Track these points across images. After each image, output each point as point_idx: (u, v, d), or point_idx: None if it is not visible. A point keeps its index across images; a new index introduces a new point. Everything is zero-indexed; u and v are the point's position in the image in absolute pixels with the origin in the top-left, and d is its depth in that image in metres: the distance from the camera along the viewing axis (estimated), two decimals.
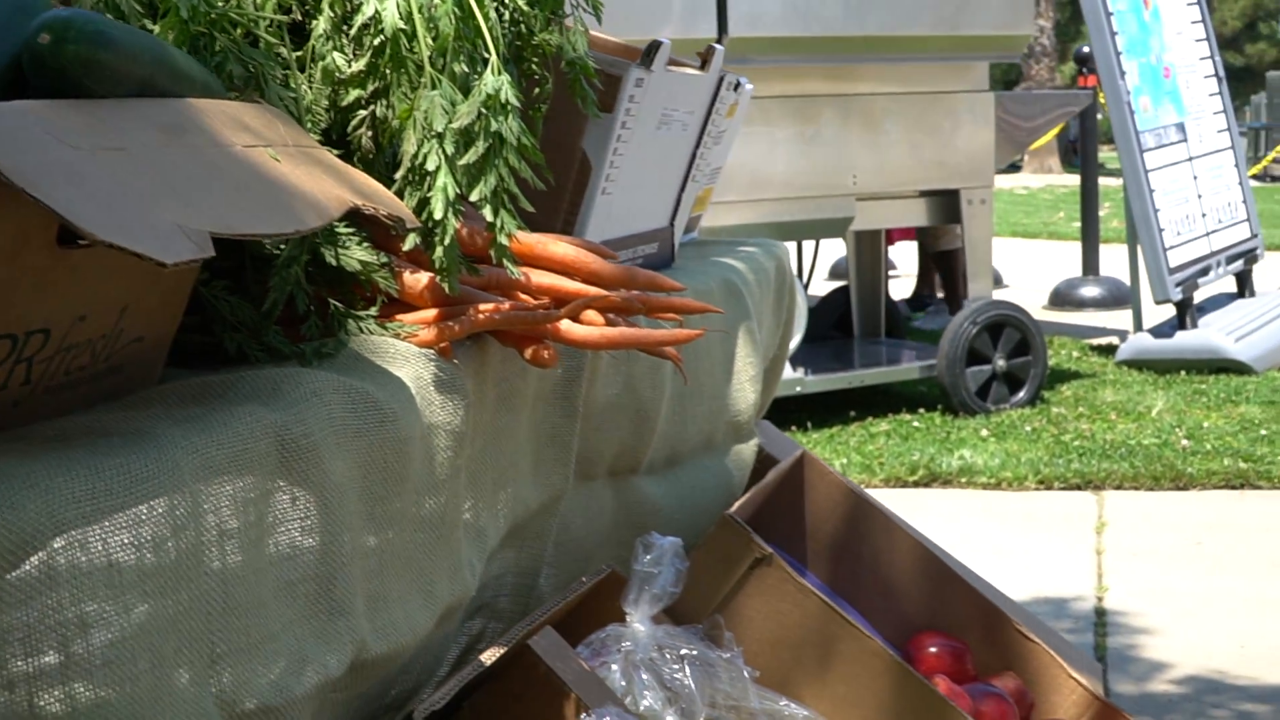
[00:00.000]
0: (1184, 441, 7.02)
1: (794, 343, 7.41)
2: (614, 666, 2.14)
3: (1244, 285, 9.57)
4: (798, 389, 7.35)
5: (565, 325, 1.87)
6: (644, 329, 1.93)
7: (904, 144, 7.52)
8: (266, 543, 1.49)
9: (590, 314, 1.92)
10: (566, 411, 2.17)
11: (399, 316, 1.84)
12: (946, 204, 7.76)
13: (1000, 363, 7.82)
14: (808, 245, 8.79)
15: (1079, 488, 6.53)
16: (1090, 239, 11.50)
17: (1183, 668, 4.55)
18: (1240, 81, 35.59)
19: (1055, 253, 14.83)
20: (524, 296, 1.91)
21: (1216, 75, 9.46)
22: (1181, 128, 9.00)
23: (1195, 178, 9.02)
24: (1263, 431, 7.21)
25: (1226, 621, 4.92)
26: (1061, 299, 11.41)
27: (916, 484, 6.55)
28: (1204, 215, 9.01)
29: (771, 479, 2.57)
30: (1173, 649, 4.71)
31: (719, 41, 6.93)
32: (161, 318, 1.55)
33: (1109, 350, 9.39)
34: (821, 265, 10.33)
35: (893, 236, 9.48)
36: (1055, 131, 13.65)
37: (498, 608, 2.16)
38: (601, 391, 2.29)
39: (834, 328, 8.66)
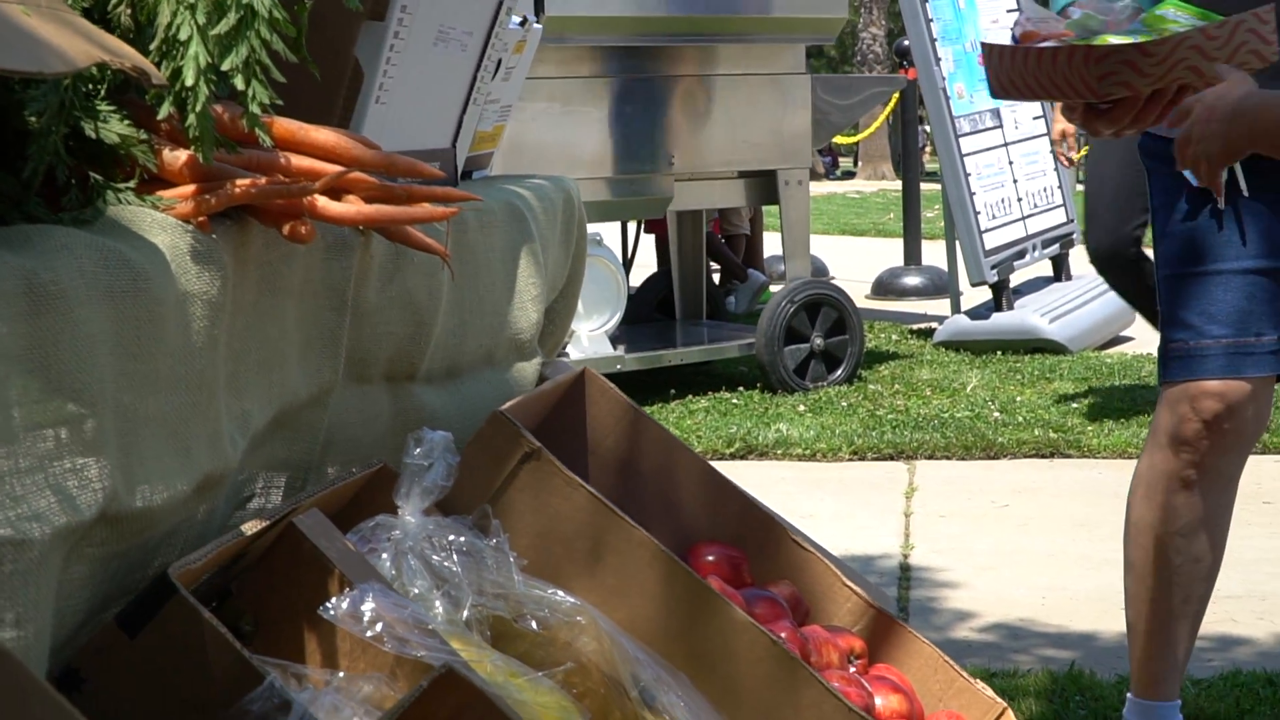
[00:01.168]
0: (996, 414, 7.16)
1: (613, 322, 7.48)
2: (383, 555, 2.18)
3: (1060, 270, 9.76)
4: (618, 367, 7.41)
5: (323, 202, 1.91)
6: (401, 206, 1.97)
7: (722, 125, 7.61)
8: (14, 381, 1.52)
9: (351, 198, 1.97)
10: (335, 305, 2.21)
11: (159, 192, 1.88)
12: (764, 185, 7.86)
13: (818, 341, 7.93)
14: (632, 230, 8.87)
15: (891, 458, 6.64)
16: (912, 230, 11.67)
17: (985, 617, 4.65)
18: None
19: (882, 248, 15.02)
20: (284, 178, 1.95)
21: None
22: (997, 114, 9.17)
23: (1011, 163, 9.19)
24: (1074, 405, 7.36)
25: (1030, 576, 5.03)
26: (884, 288, 11.57)
27: (733, 456, 6.62)
28: (1020, 200, 9.18)
29: (549, 388, 2.62)
30: (975, 600, 4.80)
31: (537, 20, 6.99)
32: None
33: (928, 334, 9.55)
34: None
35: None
36: (879, 122, 13.82)
37: (270, 501, 2.19)
38: (374, 292, 2.32)
39: (656, 310, 8.74)
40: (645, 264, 10.10)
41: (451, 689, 1.61)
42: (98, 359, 1.63)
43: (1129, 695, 3.21)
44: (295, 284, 2.10)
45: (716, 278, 10.65)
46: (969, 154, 8.79)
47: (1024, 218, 9.18)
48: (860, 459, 6.64)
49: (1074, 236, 9.72)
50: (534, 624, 2.23)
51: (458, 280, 2.56)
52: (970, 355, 8.76)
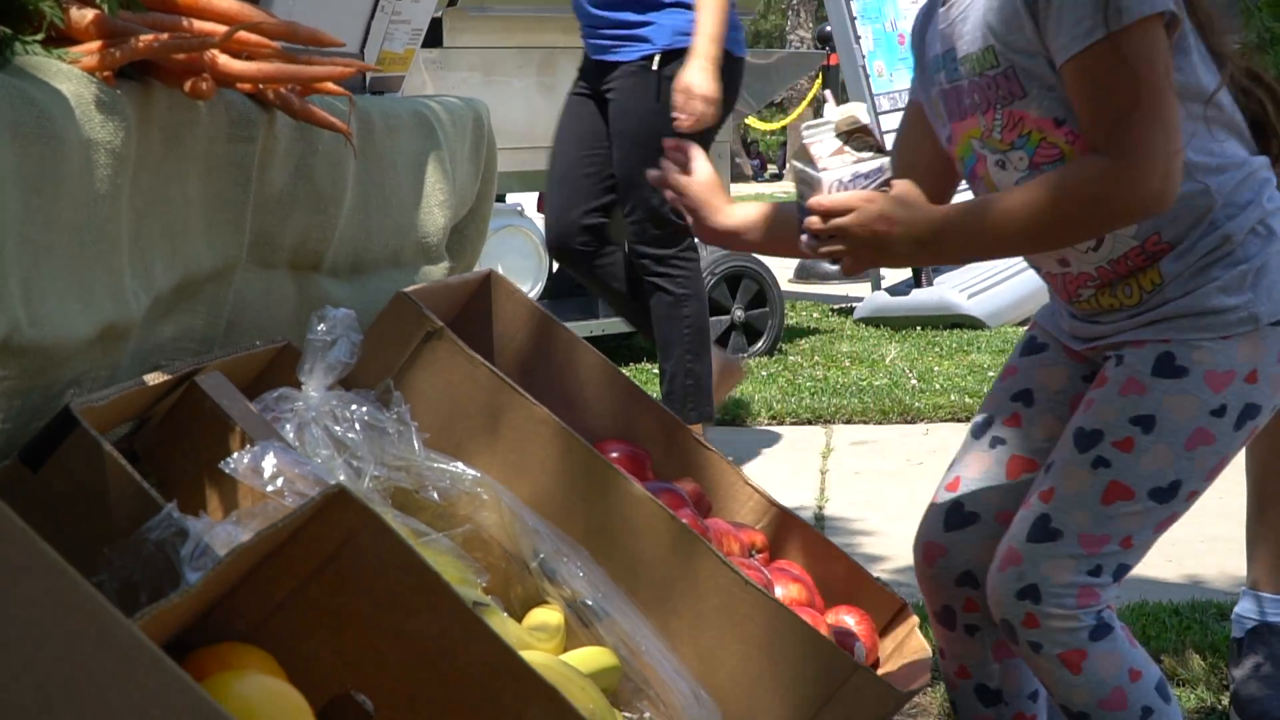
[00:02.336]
0: (914, 382, 7.22)
1: (534, 293, 7.51)
2: (286, 426, 2.21)
3: None
4: None
5: (224, 59, 1.96)
6: (299, 64, 2.02)
7: None
8: None
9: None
10: (240, 181, 2.25)
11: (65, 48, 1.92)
12: None
13: (739, 313, 7.98)
14: None
15: (809, 422, 6.68)
16: None
17: (895, 561, 4.69)
18: None
19: None
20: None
21: None
22: None
23: None
24: (991, 374, 7.43)
25: None
26: (807, 272, 11.63)
27: None
28: None
29: (454, 281, 2.66)
30: (887, 546, 4.85)
31: None
32: None
33: (849, 313, 9.61)
34: None
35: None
36: (800, 110, 13.90)
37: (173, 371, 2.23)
38: (278, 175, 2.36)
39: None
40: None
41: (342, 508, 1.64)
42: (3, 190, 1.67)
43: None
44: (199, 152, 2.14)
45: None
46: (888, 131, 8.86)
47: None
48: (779, 423, 6.68)
49: None
50: (435, 495, 2.27)
51: (363, 178, 2.60)
52: (890, 330, 8.83)
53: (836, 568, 2.85)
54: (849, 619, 2.76)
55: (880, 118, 8.81)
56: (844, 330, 8.97)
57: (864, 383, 7.26)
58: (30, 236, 1.74)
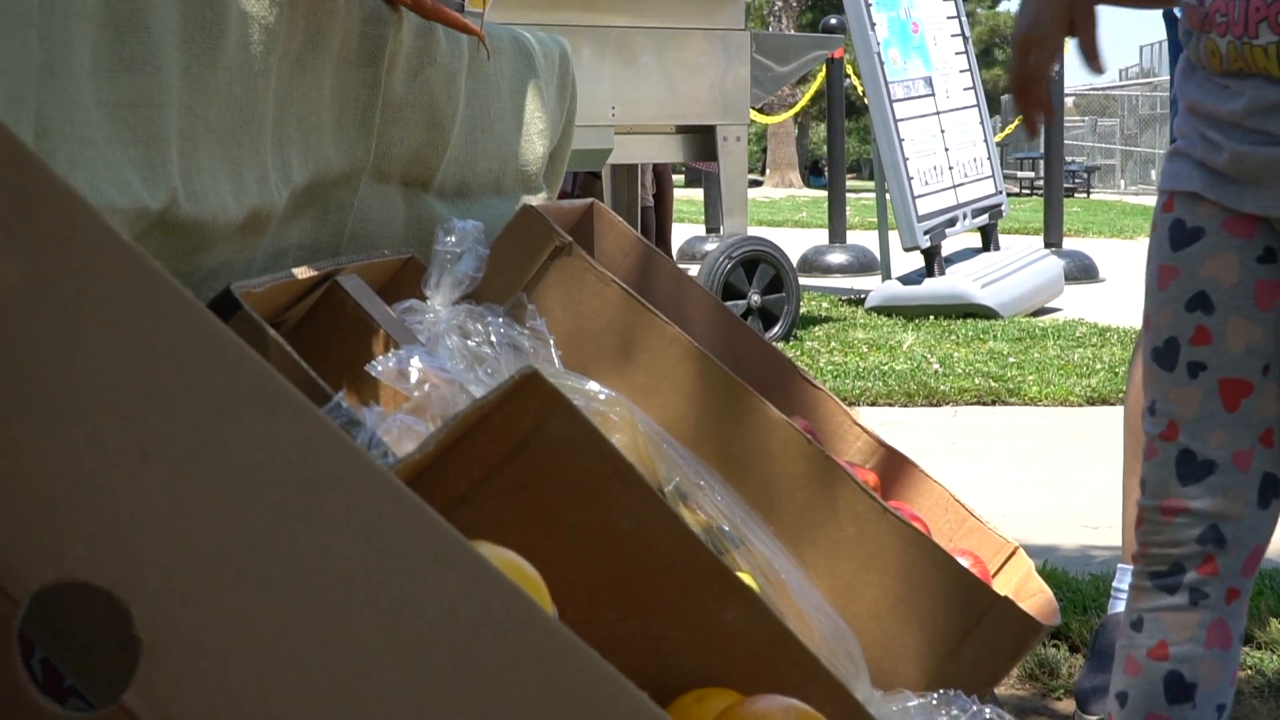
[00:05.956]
0: (935, 367, 7.14)
1: None
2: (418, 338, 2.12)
3: (989, 240, 9.78)
4: None
5: None
6: None
7: (660, 79, 7.57)
8: (87, 50, 1.46)
9: None
10: (369, 82, 2.15)
11: None
12: (702, 141, 7.82)
13: (755, 298, 7.89)
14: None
15: None
16: (838, 209, 11.69)
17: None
18: None
19: (803, 236, 15.04)
20: None
21: (962, 34, 9.66)
22: (929, 81, 9.17)
23: (943, 131, 9.20)
24: (1011, 359, 7.36)
25: (985, 501, 5.00)
26: (809, 265, 11.56)
27: None
28: (951, 168, 9.19)
29: (564, 205, 2.57)
30: None
31: None
32: None
33: (858, 303, 9.54)
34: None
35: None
36: (809, 96, 13.82)
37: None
38: (400, 82, 2.27)
39: None
40: None
41: (535, 392, 1.55)
42: (168, 51, 1.57)
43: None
44: (335, 45, 2.04)
45: None
46: (902, 119, 8.79)
47: (955, 186, 9.18)
48: None
49: (1002, 207, 9.75)
50: None
51: (470, 99, 2.50)
52: (903, 319, 8.76)
53: (947, 509, 2.76)
54: (963, 561, 2.67)
55: (894, 105, 8.73)
56: (856, 319, 8.89)
57: (885, 367, 7.19)
58: (190, 105, 1.64)
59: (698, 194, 18.71)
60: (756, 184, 32.85)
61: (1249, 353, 2.07)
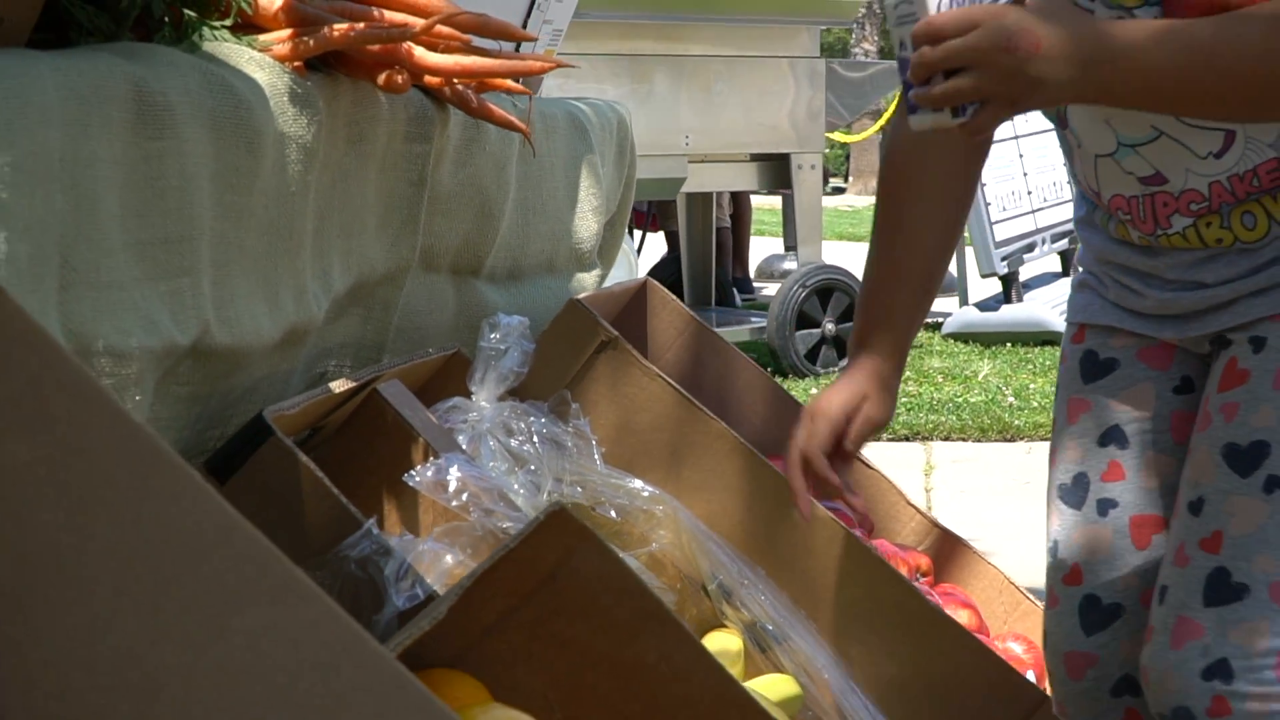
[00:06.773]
0: (1010, 400, 7.10)
1: None
2: (460, 437, 2.12)
3: (1068, 265, 9.71)
4: None
5: (419, 51, 1.86)
6: (497, 58, 1.92)
7: (735, 107, 7.55)
8: (115, 194, 1.47)
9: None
10: (415, 180, 2.16)
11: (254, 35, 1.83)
12: (776, 169, 7.80)
13: (829, 327, 7.87)
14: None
15: (907, 439, 6.58)
16: None
17: (1017, 581, 4.59)
18: None
19: None
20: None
21: None
22: None
23: (1021, 155, 9.14)
24: None
25: None
26: None
27: None
28: (1029, 193, 9.13)
29: (615, 289, 2.57)
30: (1004, 566, 4.74)
31: None
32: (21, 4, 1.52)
33: (935, 328, 9.48)
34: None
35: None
36: (873, 130, 13.77)
37: (342, 376, 2.13)
38: (447, 175, 2.27)
39: None
40: (651, 249, 10.04)
41: (561, 529, 1.55)
42: (200, 183, 1.58)
43: None
44: (379, 149, 2.04)
45: None
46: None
47: (1034, 211, 9.12)
48: (875, 440, 6.57)
49: None
50: (612, 512, 2.18)
51: (522, 181, 2.51)
52: (979, 346, 8.70)
53: (1000, 592, 2.74)
54: (1016, 647, 2.65)
55: None
56: (932, 345, 8.84)
57: (959, 399, 7.15)
58: (223, 233, 1.64)
59: (779, 201, 18.71)
60: (839, 190, 32.75)
61: (1164, 488, 1.95)
